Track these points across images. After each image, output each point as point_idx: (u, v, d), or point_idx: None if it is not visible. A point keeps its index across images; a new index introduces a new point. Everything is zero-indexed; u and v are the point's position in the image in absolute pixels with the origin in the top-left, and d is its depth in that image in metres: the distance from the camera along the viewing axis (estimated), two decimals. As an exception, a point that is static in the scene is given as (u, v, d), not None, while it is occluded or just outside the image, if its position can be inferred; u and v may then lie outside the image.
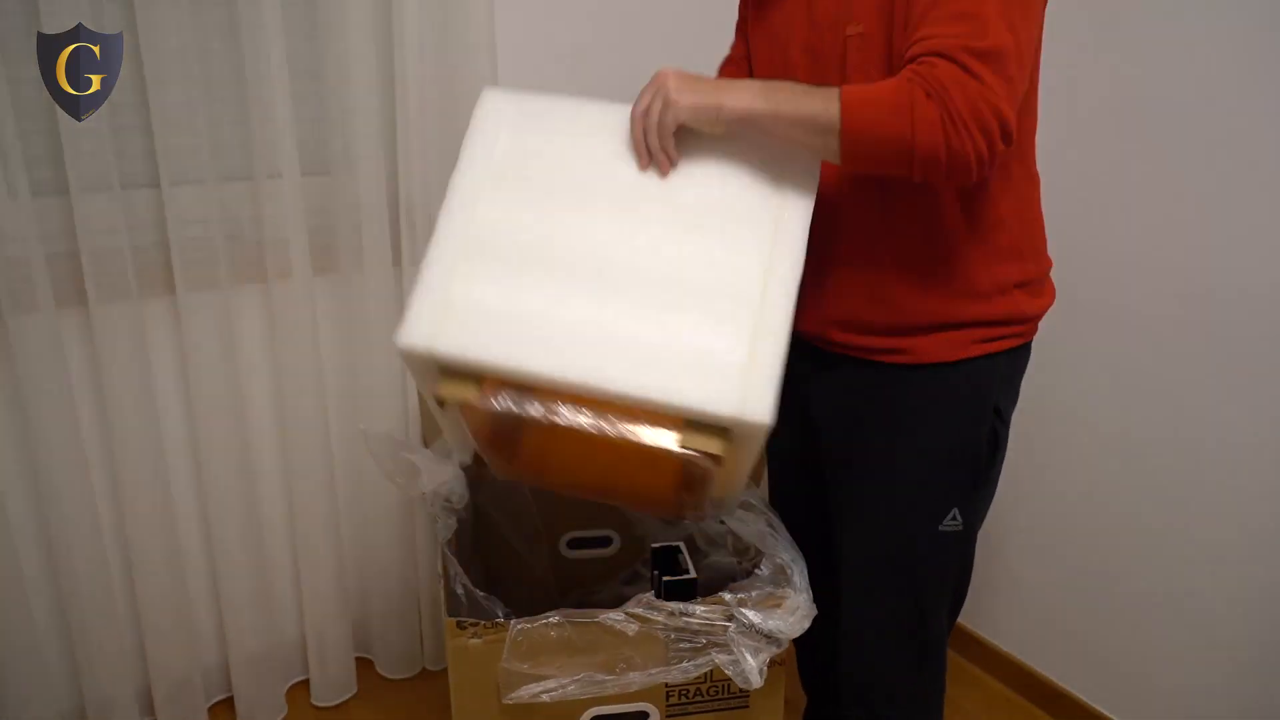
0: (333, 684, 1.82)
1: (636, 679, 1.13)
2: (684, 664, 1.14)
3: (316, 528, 1.73)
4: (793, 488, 1.38)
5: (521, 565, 1.64)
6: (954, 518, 1.18)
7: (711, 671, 1.18)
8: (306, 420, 1.67)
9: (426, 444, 1.61)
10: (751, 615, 1.14)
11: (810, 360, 1.20)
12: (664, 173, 1.05)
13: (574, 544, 1.68)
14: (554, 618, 1.12)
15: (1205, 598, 1.55)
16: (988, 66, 0.92)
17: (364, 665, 1.89)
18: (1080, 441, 1.70)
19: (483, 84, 1.62)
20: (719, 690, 1.23)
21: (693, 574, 1.34)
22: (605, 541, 1.68)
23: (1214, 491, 1.51)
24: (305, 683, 1.84)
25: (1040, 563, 1.81)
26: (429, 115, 1.63)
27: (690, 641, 1.14)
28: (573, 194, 1.06)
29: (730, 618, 1.14)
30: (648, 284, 1.02)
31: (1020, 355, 1.18)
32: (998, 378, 1.16)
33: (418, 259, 1.66)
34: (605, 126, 1.08)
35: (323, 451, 1.71)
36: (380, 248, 1.64)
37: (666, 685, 1.20)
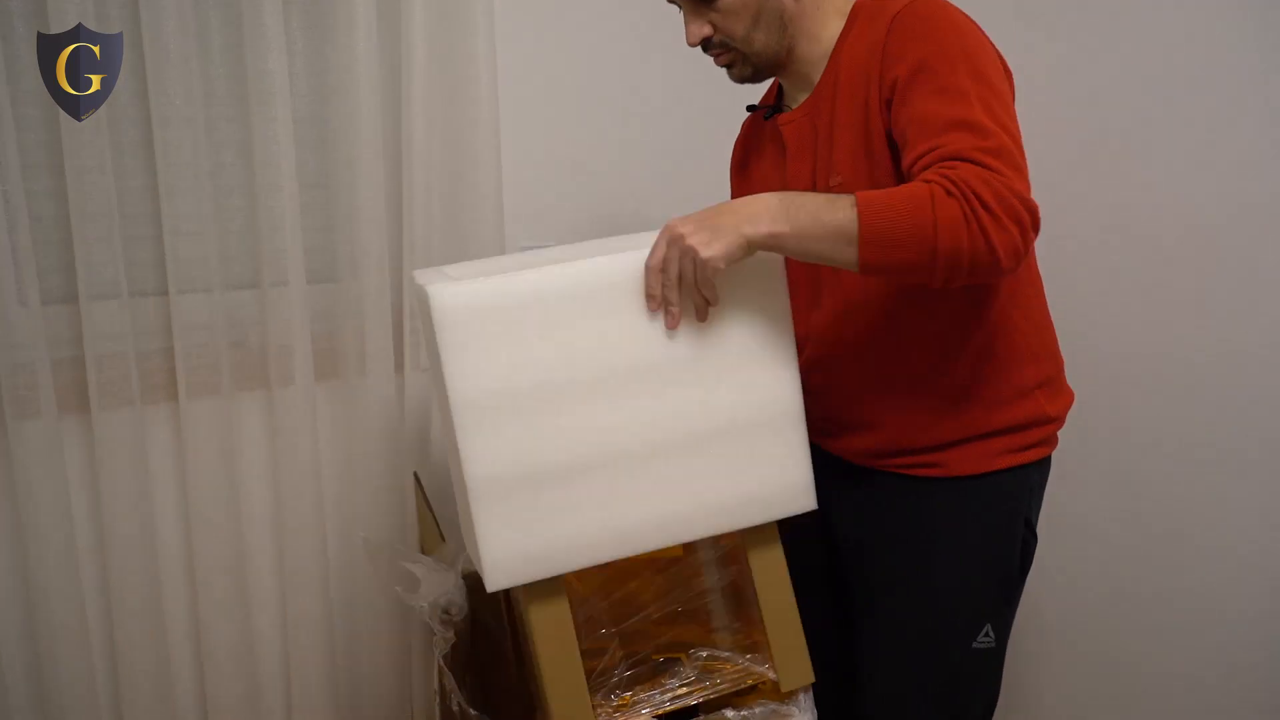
0: (322, 804, 1.75)
1: None
2: None
3: (310, 637, 1.69)
4: (814, 605, 1.33)
5: (519, 679, 1.59)
6: (987, 634, 1.14)
7: None
8: (303, 528, 1.65)
9: (426, 553, 1.59)
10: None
11: (831, 475, 1.17)
12: (699, 319, 1.02)
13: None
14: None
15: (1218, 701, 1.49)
16: (1003, 162, 0.93)
17: (355, 784, 1.82)
18: (1088, 548, 1.67)
19: (487, 191, 1.68)
20: (721, 813, 1.17)
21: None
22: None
23: (1225, 595, 1.47)
24: (293, 802, 1.76)
25: (1056, 678, 1.75)
26: (434, 223, 1.66)
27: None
28: (580, 391, 1.03)
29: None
30: (689, 443, 1.05)
31: (1047, 464, 1.17)
32: (1027, 489, 1.15)
33: (420, 365, 1.68)
34: (573, 305, 1.01)
35: (318, 559, 1.68)
36: (383, 353, 1.65)
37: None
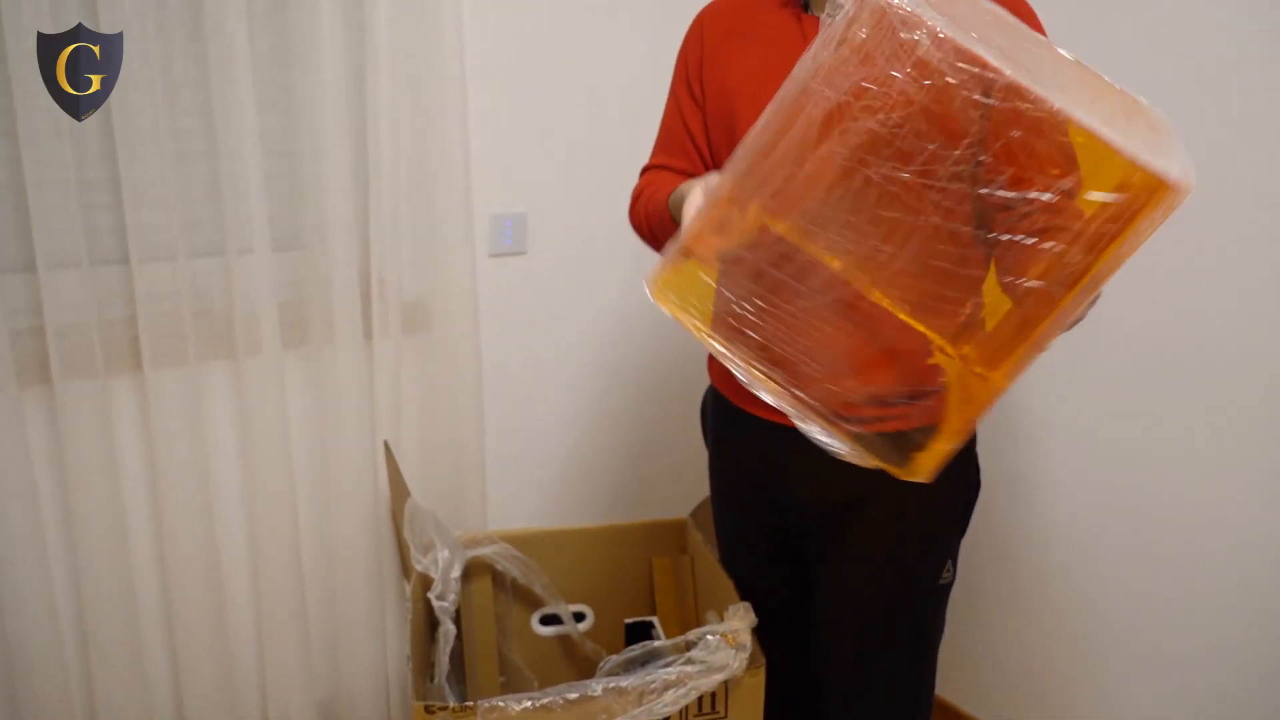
0: (297, 770, 1.76)
1: None
2: (666, 695, 1.12)
3: (282, 607, 1.69)
4: (770, 579, 1.34)
5: (490, 647, 1.61)
6: (948, 569, 1.18)
7: (688, 708, 1.17)
8: (274, 498, 1.64)
9: (395, 519, 1.59)
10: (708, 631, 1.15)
11: (788, 447, 1.14)
12: None
13: (546, 620, 1.65)
14: (525, 701, 1.10)
15: (1172, 651, 1.54)
16: None
17: (330, 750, 1.84)
18: (1039, 498, 1.71)
19: (455, 157, 1.67)
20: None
21: (660, 632, 1.33)
22: (578, 617, 1.66)
23: (1181, 542, 1.52)
24: (268, 769, 1.77)
25: (1005, 622, 1.80)
26: (401, 189, 1.65)
27: (661, 677, 1.13)
28: None
29: (689, 645, 1.14)
30: None
31: None
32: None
33: (389, 332, 1.67)
34: None
35: (290, 529, 1.68)
36: (352, 321, 1.64)
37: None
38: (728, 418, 1.26)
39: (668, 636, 1.57)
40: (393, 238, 1.65)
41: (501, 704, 1.10)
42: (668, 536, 1.64)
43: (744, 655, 1.16)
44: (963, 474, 1.18)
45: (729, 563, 1.38)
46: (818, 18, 1.08)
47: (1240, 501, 1.44)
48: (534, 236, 1.90)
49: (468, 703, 1.11)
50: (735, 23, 1.16)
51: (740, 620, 1.19)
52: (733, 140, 1.11)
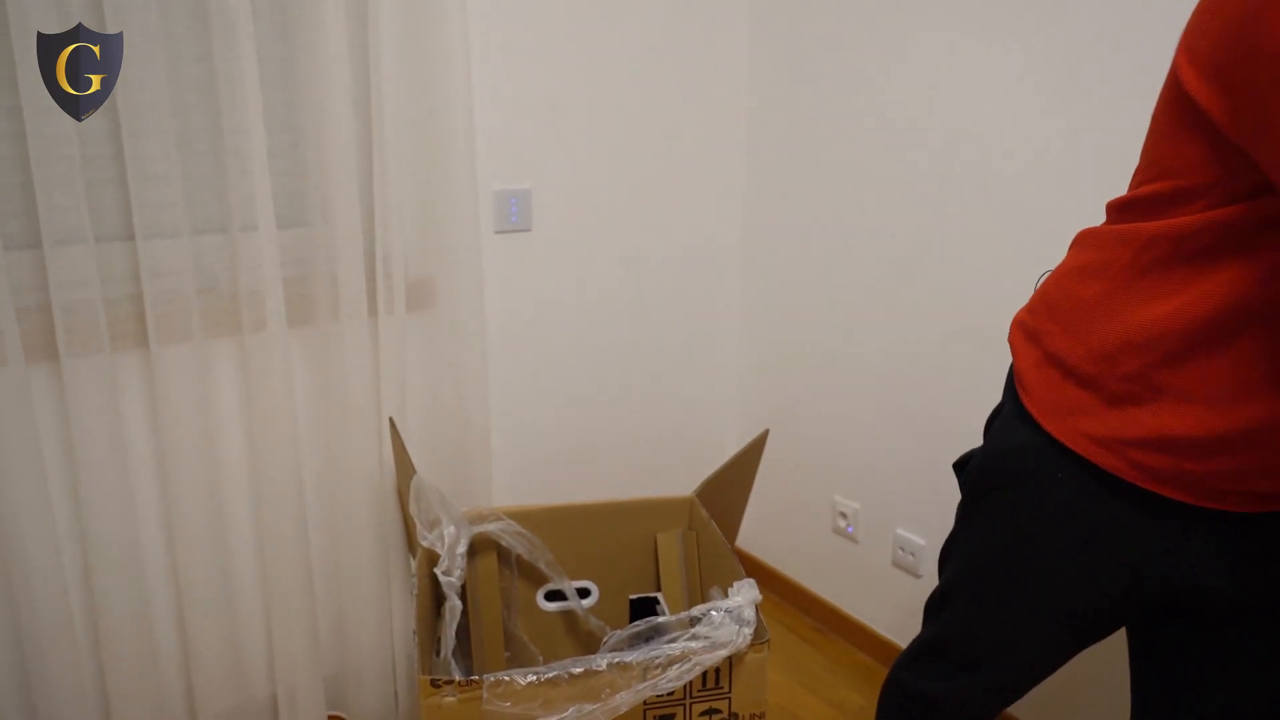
0: (304, 743, 1.78)
1: (624, 699, 1.11)
2: (670, 671, 1.13)
3: (289, 583, 1.70)
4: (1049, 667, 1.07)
5: (495, 622, 1.62)
6: None
7: (692, 683, 1.18)
8: (280, 474, 1.65)
9: (401, 495, 1.60)
10: (713, 607, 1.15)
11: (1198, 531, 0.96)
12: None
13: (551, 596, 1.66)
14: (530, 675, 1.11)
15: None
16: None
17: (337, 723, 1.86)
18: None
19: (460, 134, 1.67)
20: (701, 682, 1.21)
21: (665, 608, 1.33)
22: (583, 593, 1.67)
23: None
24: (276, 742, 1.79)
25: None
26: (405, 166, 1.64)
27: (666, 653, 1.13)
28: None
29: (694, 621, 1.15)
30: None
31: None
32: None
33: (394, 309, 1.67)
34: None
35: (296, 505, 1.69)
36: (356, 299, 1.64)
37: (645, 704, 1.18)
38: (1144, 511, 0.98)
39: (672, 612, 1.58)
40: (397, 214, 1.64)
41: (507, 678, 1.10)
42: (673, 513, 1.65)
43: (748, 630, 1.17)
44: None
45: (1003, 651, 1.06)
46: None
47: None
48: (539, 213, 1.90)
49: (473, 677, 1.12)
50: None
51: (744, 596, 1.20)
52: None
